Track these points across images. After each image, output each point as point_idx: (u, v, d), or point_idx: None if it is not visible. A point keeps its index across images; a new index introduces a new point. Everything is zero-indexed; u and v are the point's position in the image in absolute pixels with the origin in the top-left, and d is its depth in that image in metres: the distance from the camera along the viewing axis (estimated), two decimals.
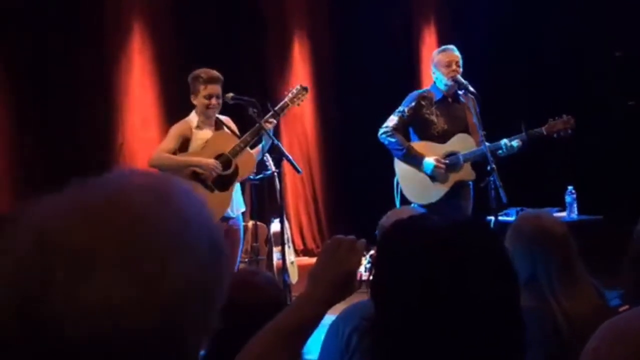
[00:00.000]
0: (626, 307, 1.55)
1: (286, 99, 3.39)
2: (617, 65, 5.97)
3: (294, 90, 3.43)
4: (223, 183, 3.23)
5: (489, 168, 3.12)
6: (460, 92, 3.48)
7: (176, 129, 3.26)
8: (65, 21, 5.32)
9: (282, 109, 3.36)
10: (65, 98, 5.31)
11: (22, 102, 5.25)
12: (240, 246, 3.41)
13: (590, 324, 1.07)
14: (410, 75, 6.42)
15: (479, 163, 3.45)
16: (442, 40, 6.67)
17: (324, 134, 6.43)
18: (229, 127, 3.35)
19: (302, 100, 3.44)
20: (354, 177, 6.17)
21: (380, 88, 5.66)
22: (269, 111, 3.28)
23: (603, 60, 5.92)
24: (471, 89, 3.35)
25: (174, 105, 5.49)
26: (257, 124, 3.17)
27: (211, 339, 1.40)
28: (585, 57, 5.95)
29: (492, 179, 3.10)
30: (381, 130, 3.51)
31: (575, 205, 4.11)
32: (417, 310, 0.77)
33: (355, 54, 6.19)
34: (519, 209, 4.00)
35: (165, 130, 5.44)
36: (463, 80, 3.38)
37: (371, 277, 0.85)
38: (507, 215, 3.84)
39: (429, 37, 6.71)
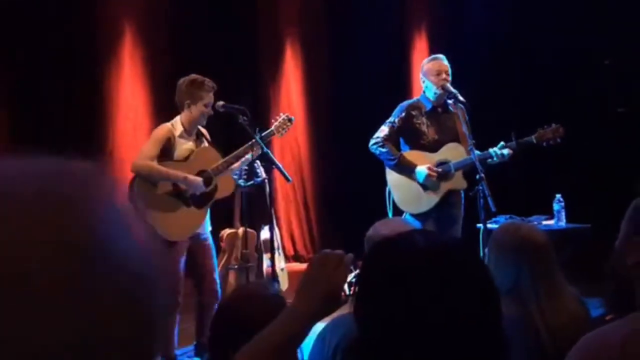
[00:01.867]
0: (610, 316, 1.56)
1: (272, 128, 3.42)
2: (606, 73, 6.04)
3: (280, 120, 3.45)
4: (201, 200, 3.21)
5: (477, 177, 3.15)
6: (449, 102, 3.50)
7: (159, 135, 3.19)
8: (56, 26, 5.30)
9: (268, 136, 3.38)
10: (55, 104, 5.29)
11: (12, 108, 5.22)
12: (214, 256, 3.37)
13: (571, 334, 1.09)
14: (402, 83, 6.45)
15: (467, 172, 3.47)
16: (433, 48, 6.71)
17: (315, 140, 6.44)
18: (207, 139, 3.35)
19: (286, 131, 3.46)
20: (345, 184, 6.18)
21: (372, 95, 5.69)
22: (256, 127, 3.29)
23: (592, 68, 5.98)
24: (460, 98, 3.37)
25: (165, 112, 5.47)
26: (247, 145, 3.19)
27: (215, 351, 1.40)
28: (575, 65, 6.00)
29: (481, 187, 3.12)
30: (372, 141, 3.53)
31: (563, 213, 4.14)
32: (399, 330, 0.77)
33: (347, 61, 6.21)
34: (507, 217, 4.03)
35: None
36: (452, 89, 3.41)
37: (354, 296, 0.86)
38: (496, 223, 3.86)
39: (420, 45, 6.75)
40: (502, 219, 3.96)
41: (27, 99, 5.23)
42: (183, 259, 3.19)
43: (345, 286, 0.95)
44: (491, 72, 6.08)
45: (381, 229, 1.71)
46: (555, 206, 4.16)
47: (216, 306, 3.26)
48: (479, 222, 3.31)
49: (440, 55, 3.57)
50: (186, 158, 3.21)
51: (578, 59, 5.99)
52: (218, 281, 3.38)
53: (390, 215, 3.54)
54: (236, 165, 3.32)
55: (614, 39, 5.81)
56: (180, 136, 3.21)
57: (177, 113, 3.31)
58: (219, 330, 1.39)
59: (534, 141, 3.38)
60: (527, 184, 5.79)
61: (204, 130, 3.36)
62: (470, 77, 5.14)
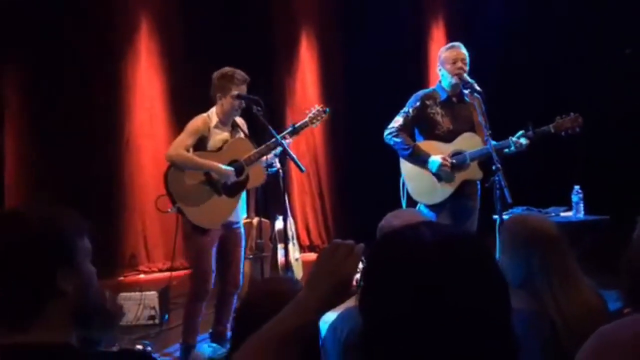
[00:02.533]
0: (628, 310, 1.54)
1: (306, 119, 3.46)
2: (628, 62, 5.91)
3: (314, 111, 3.49)
4: (232, 189, 3.30)
5: (494, 168, 3.10)
6: (465, 92, 3.45)
7: (194, 126, 3.27)
8: (74, 18, 5.35)
9: (302, 127, 3.43)
10: (72, 94, 5.35)
11: (33, 99, 5.29)
12: (243, 247, 3.46)
13: (587, 325, 1.07)
14: (419, 73, 6.40)
15: (483, 163, 3.43)
16: (451, 38, 6.63)
17: (331, 131, 6.42)
18: (243, 131, 3.40)
19: (320, 122, 3.52)
20: (360, 174, 6.16)
21: (389, 85, 5.65)
22: (284, 114, 3.33)
23: (613, 58, 5.86)
24: (477, 87, 3.32)
25: (181, 101, 5.52)
26: (280, 135, 3.24)
27: (232, 344, 1.41)
28: (595, 55, 5.89)
29: (497, 178, 3.07)
30: (386, 132, 3.51)
31: (581, 204, 4.08)
32: (403, 324, 0.76)
33: (363, 52, 6.17)
34: (524, 208, 3.99)
35: (172, 125, 5.51)
36: (469, 79, 3.36)
37: (359, 289, 0.85)
38: (512, 214, 3.82)
39: (437, 34, 6.68)
40: (518, 210, 3.92)
41: (47, 91, 5.30)
42: (215, 249, 3.28)
43: (357, 276, 0.94)
44: (509, 61, 6.00)
45: (393, 220, 1.70)
46: (574, 197, 4.11)
47: (235, 296, 3.32)
48: (495, 214, 3.28)
49: (458, 44, 3.51)
50: (219, 148, 3.29)
51: (598, 48, 5.88)
52: (242, 272, 3.46)
53: (404, 206, 3.52)
54: (269, 155, 3.38)
55: (636, 28, 5.69)
56: (216, 127, 3.29)
57: (193, 103, 3.38)
58: (240, 327, 1.38)
59: (552, 130, 3.32)
60: (545, 175, 5.71)
61: (240, 122, 3.42)
62: (487, 66, 5.07)
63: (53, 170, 5.24)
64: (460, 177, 3.41)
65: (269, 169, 3.62)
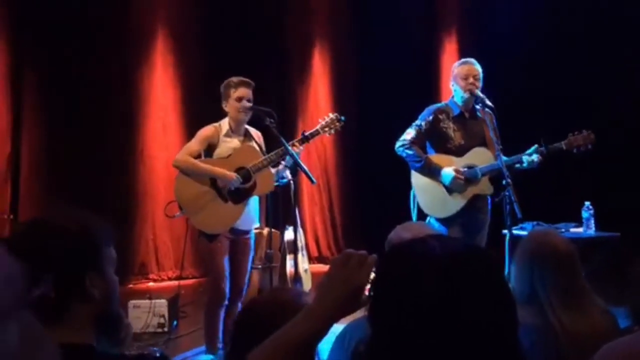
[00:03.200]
0: (638, 327, 1.53)
1: (318, 127, 3.40)
2: None
3: (327, 119, 3.42)
4: (238, 196, 3.28)
5: (504, 182, 3.10)
6: (477, 107, 3.46)
7: (204, 133, 3.31)
8: (89, 27, 5.44)
9: (313, 135, 3.37)
10: (87, 103, 5.42)
11: (49, 108, 5.38)
12: (251, 257, 3.43)
13: (593, 345, 1.07)
14: (431, 86, 6.41)
15: (494, 178, 3.43)
16: (463, 51, 6.64)
17: (342, 143, 6.45)
18: (257, 142, 3.39)
19: (335, 130, 3.43)
20: (370, 186, 6.17)
21: (401, 97, 5.66)
22: (297, 127, 3.33)
23: (626, 73, 5.84)
24: (488, 102, 3.34)
25: (195, 111, 5.58)
26: (288, 143, 3.20)
27: (230, 349, 1.42)
28: (608, 70, 5.87)
29: (507, 193, 3.07)
30: (398, 144, 3.51)
31: (592, 221, 4.06)
32: (413, 336, 0.77)
33: (375, 63, 6.20)
34: (535, 223, 3.97)
35: (185, 136, 5.56)
36: (480, 94, 3.38)
37: (369, 300, 0.86)
38: (522, 229, 3.81)
39: (450, 48, 6.69)
40: (529, 225, 3.90)
41: (63, 100, 5.38)
42: (226, 257, 3.26)
43: (368, 286, 0.94)
44: (522, 76, 6.00)
45: (402, 232, 1.71)
46: (584, 214, 4.08)
47: (239, 305, 3.31)
48: (505, 229, 3.27)
49: (471, 60, 3.53)
50: (228, 156, 3.29)
51: (611, 63, 5.86)
52: (247, 281, 3.43)
53: (414, 219, 3.52)
54: (280, 167, 3.38)
55: None
56: (226, 135, 3.31)
57: (208, 113, 3.43)
58: (240, 332, 1.38)
59: (564, 147, 3.32)
60: (556, 191, 5.68)
61: (256, 134, 3.41)
62: (500, 81, 5.08)
63: (67, 178, 5.31)
64: (471, 191, 3.41)
65: (280, 180, 3.63)
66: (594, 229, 4.05)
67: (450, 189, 3.40)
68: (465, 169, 3.39)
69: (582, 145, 3.32)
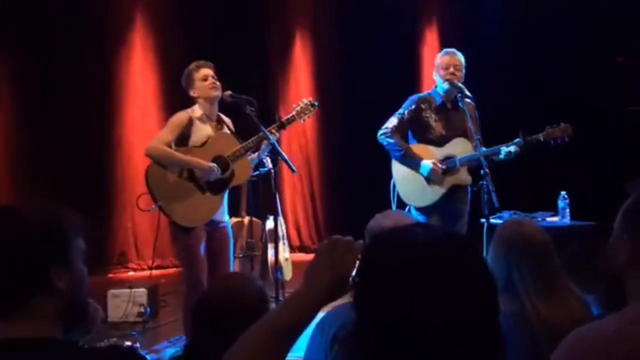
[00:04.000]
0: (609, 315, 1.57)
1: (293, 113, 3.33)
2: (618, 71, 5.98)
3: (302, 105, 3.34)
4: (217, 186, 3.16)
5: (482, 172, 3.14)
6: (459, 97, 3.49)
7: (176, 121, 3.14)
8: (67, 13, 5.34)
9: (289, 122, 3.29)
10: (64, 90, 5.33)
11: (23, 94, 5.27)
12: (231, 247, 3.33)
13: (569, 333, 1.10)
14: (412, 76, 6.44)
15: (472, 167, 3.47)
16: (444, 42, 6.67)
17: (323, 132, 6.45)
18: (230, 128, 3.27)
19: (309, 116, 3.36)
20: (352, 175, 6.19)
21: (382, 87, 5.68)
22: (275, 120, 3.26)
23: (604, 66, 5.93)
24: (467, 92, 3.36)
25: (175, 99, 5.50)
26: (261, 133, 3.12)
27: (190, 341, 1.41)
28: (586, 63, 5.96)
29: (485, 183, 3.12)
30: (380, 131, 3.53)
31: (567, 210, 4.14)
32: (397, 322, 0.78)
33: (357, 53, 6.20)
34: (512, 212, 4.03)
35: (163, 124, 5.46)
36: (458, 84, 3.40)
37: (354, 287, 0.86)
38: (500, 219, 3.86)
39: (431, 38, 6.72)
40: (506, 214, 3.96)
41: (39, 86, 5.28)
42: (202, 247, 3.13)
43: (354, 273, 0.93)
44: (502, 68, 6.05)
45: (381, 221, 1.72)
46: (560, 203, 4.16)
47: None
48: (483, 218, 3.32)
49: (453, 50, 3.54)
50: (203, 144, 3.14)
51: (590, 56, 5.94)
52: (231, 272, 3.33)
53: (394, 208, 3.54)
54: (254, 155, 3.28)
55: (627, 36, 5.76)
56: (200, 119, 3.16)
57: (187, 101, 3.31)
58: (200, 319, 1.36)
59: (542, 139, 3.36)
60: (532, 181, 5.77)
61: (227, 119, 3.31)
62: (481, 72, 5.11)
63: (44, 166, 5.23)
64: (450, 181, 3.45)
65: (261, 169, 3.60)
66: (569, 218, 4.13)
67: (428, 180, 3.44)
68: (444, 161, 3.43)
69: (559, 138, 3.36)
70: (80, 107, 5.38)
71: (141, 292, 3.99)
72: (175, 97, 5.45)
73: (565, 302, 1.65)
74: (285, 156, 3.23)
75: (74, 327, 1.10)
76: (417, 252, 0.81)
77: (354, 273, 0.93)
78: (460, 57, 3.49)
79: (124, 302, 3.94)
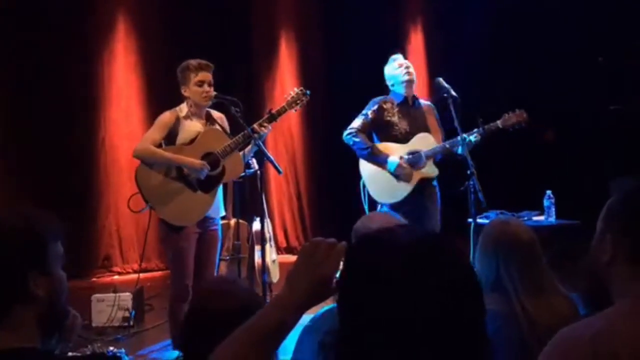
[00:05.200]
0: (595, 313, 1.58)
1: (284, 104, 3.28)
2: (600, 70, 6.05)
3: (293, 94, 3.30)
4: (208, 183, 3.11)
5: (468, 172, 3.17)
6: (418, 98, 3.67)
7: (163, 120, 3.09)
8: (50, 14, 5.27)
9: (280, 113, 3.24)
10: (48, 90, 5.26)
11: (5, 95, 5.19)
12: (219, 249, 3.31)
13: (555, 331, 1.10)
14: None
15: (459, 167, 3.49)
16: (428, 42, 6.71)
17: (309, 133, 6.44)
18: (220, 125, 3.21)
19: (301, 106, 3.31)
20: (338, 176, 6.17)
21: (367, 88, 5.66)
22: (263, 114, 3.22)
23: (586, 66, 5.99)
24: (453, 93, 3.40)
25: (158, 99, 5.46)
26: (250, 128, 3.07)
27: (183, 344, 1.39)
28: (569, 62, 6.02)
29: (471, 182, 3.14)
30: (346, 132, 3.65)
31: (553, 209, 4.17)
32: (381, 324, 0.77)
33: (342, 54, 6.20)
34: (498, 212, 4.06)
35: (148, 124, 5.41)
36: (445, 83, 3.43)
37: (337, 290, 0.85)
38: (486, 218, 3.88)
39: (416, 39, 6.74)
40: (492, 214, 3.98)
41: (21, 87, 5.20)
42: (193, 248, 3.09)
43: (338, 275, 0.92)
44: (486, 67, 6.09)
45: (368, 222, 1.71)
46: (545, 202, 4.19)
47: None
48: (469, 217, 3.33)
49: (398, 54, 3.76)
50: (192, 141, 3.09)
51: (572, 56, 6.01)
52: (215, 274, 3.30)
53: (366, 207, 3.61)
54: (247, 149, 3.20)
55: (609, 36, 5.83)
56: (186, 117, 3.11)
57: (170, 102, 3.26)
58: (193, 332, 1.33)
59: (500, 126, 3.44)
60: (518, 180, 5.81)
61: (218, 115, 3.24)
62: (466, 70, 5.14)
63: (26, 167, 5.14)
64: (417, 175, 3.54)
65: (247, 170, 3.58)
66: (554, 217, 4.17)
67: (397, 176, 3.53)
68: (409, 156, 3.54)
69: (516, 124, 3.45)
70: (63, 109, 5.30)
71: (126, 297, 3.93)
72: (159, 97, 5.43)
73: (553, 300, 1.66)
74: (271, 157, 3.21)
75: (52, 336, 1.07)
76: (399, 253, 0.79)
77: (337, 275, 0.91)
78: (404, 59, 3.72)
79: (109, 307, 3.89)
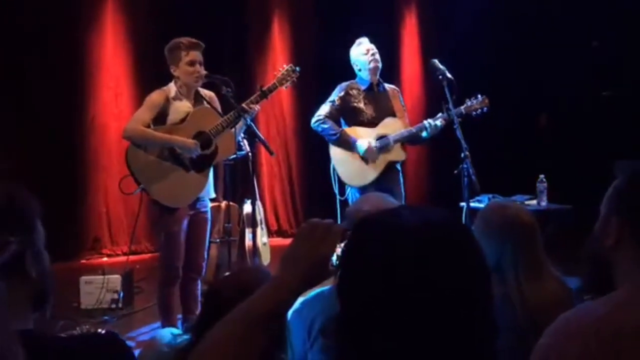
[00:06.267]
0: (588, 297, 1.57)
1: (275, 81, 3.23)
2: (594, 55, 6.03)
3: (283, 71, 3.25)
4: (201, 163, 3.07)
5: (462, 155, 3.15)
6: (383, 83, 3.71)
7: (152, 99, 3.02)
8: None
9: (271, 90, 3.19)
10: (36, 71, 5.17)
11: None
12: (208, 231, 3.27)
13: (549, 314, 1.08)
14: (390, 60, 6.38)
15: (453, 151, 3.47)
16: (423, 26, 6.65)
17: (301, 115, 6.37)
18: (210, 103, 3.15)
19: (291, 82, 3.27)
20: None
21: None
22: (255, 92, 3.16)
23: (580, 50, 5.97)
24: (448, 75, 3.36)
25: (148, 79, 5.37)
26: (240, 106, 3.02)
27: (197, 323, 1.37)
28: (562, 47, 5.99)
29: (465, 166, 3.12)
30: (314, 119, 3.70)
31: (545, 193, 4.17)
32: (385, 308, 0.74)
33: (335, 36, 6.11)
34: (491, 195, 4.05)
35: (138, 104, 5.34)
36: (440, 65, 3.40)
37: (337, 273, 0.81)
38: (479, 202, 3.88)
39: (410, 23, 6.67)
40: (485, 198, 3.98)
41: (10, 70, 5.10)
42: (184, 231, 3.07)
43: (334, 257, 0.89)
44: (480, 52, 6.05)
45: (362, 205, 1.69)
46: (539, 186, 4.19)
47: (199, 282, 3.21)
48: (462, 201, 3.32)
49: (364, 38, 3.79)
50: (182, 120, 3.04)
51: (566, 40, 5.98)
52: (205, 257, 3.28)
53: (336, 191, 3.68)
54: (238, 126, 3.14)
55: (603, 21, 5.80)
56: (175, 97, 3.05)
57: (160, 82, 3.19)
58: (209, 311, 1.34)
59: (464, 112, 3.51)
60: (511, 164, 5.81)
61: (209, 95, 3.18)
62: (459, 56, 5.09)
63: (14, 147, 5.06)
64: (385, 158, 3.61)
65: (238, 152, 3.53)
66: (547, 201, 4.17)
67: (365, 159, 3.59)
68: (377, 140, 3.60)
69: (478, 109, 3.54)
70: (52, 89, 5.21)
71: (115, 279, 3.89)
72: (148, 77, 5.34)
73: (548, 283, 1.66)
74: (263, 138, 3.16)
75: (37, 312, 1.05)
76: (405, 236, 0.76)
77: (334, 258, 0.88)
78: (371, 44, 3.75)
79: (97, 289, 3.85)
